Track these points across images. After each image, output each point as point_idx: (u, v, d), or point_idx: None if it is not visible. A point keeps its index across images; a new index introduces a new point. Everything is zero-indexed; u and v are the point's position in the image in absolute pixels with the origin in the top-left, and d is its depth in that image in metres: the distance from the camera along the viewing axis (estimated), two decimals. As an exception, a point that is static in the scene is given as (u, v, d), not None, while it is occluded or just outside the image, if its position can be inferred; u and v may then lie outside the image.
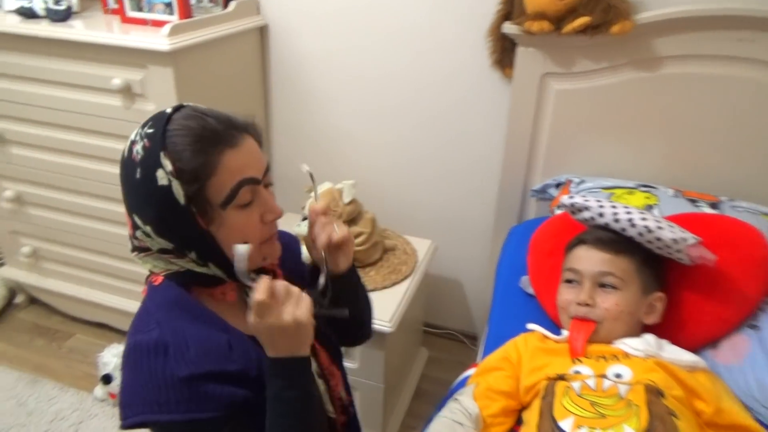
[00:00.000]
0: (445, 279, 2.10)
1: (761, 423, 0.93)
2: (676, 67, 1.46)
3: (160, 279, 0.80)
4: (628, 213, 1.05)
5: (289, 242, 1.02)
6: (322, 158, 2.04)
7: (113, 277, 1.99)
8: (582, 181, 1.55)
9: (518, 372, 1.01)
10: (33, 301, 2.27)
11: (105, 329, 2.13)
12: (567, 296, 1.05)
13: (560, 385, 0.92)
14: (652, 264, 1.06)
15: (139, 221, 0.76)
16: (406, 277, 1.64)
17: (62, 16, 1.64)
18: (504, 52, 1.63)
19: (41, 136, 1.77)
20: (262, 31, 1.90)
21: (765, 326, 1.04)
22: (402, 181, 1.99)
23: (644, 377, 0.89)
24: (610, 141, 1.58)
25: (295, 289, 0.77)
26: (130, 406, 0.73)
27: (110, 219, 1.85)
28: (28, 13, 1.65)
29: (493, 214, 1.82)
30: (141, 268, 0.84)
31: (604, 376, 0.91)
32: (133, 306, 0.86)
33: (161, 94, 1.55)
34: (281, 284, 0.76)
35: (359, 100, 1.91)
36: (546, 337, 1.06)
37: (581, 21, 1.42)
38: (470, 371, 1.12)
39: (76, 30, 1.58)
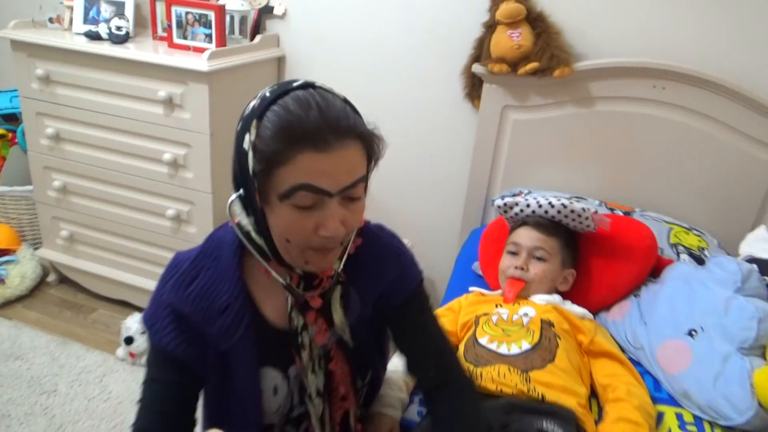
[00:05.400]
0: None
1: (632, 360, 1.28)
2: (607, 105, 1.86)
3: (236, 220, 0.81)
4: (546, 198, 1.42)
5: (387, 257, 1.00)
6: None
7: (136, 259, 2.31)
8: (530, 192, 1.92)
9: (458, 316, 1.36)
10: (63, 280, 2.60)
11: (125, 306, 2.45)
12: (508, 262, 1.40)
13: (483, 318, 1.27)
14: (572, 247, 1.41)
15: (231, 161, 0.79)
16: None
17: (121, 39, 2.04)
18: (474, 87, 2.02)
19: (92, 136, 2.13)
20: (280, 61, 2.30)
21: (643, 295, 1.40)
22: (386, 191, 2.36)
23: (542, 315, 1.24)
24: (554, 162, 1.96)
25: None
26: (148, 304, 0.83)
27: (140, 208, 2.18)
28: (94, 36, 2.05)
29: (460, 220, 2.18)
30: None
31: (516, 314, 1.26)
32: (152, 284, 0.89)
33: (197, 106, 1.93)
34: None
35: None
36: (483, 294, 1.41)
37: (531, 65, 1.81)
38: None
39: (132, 51, 1.97)
